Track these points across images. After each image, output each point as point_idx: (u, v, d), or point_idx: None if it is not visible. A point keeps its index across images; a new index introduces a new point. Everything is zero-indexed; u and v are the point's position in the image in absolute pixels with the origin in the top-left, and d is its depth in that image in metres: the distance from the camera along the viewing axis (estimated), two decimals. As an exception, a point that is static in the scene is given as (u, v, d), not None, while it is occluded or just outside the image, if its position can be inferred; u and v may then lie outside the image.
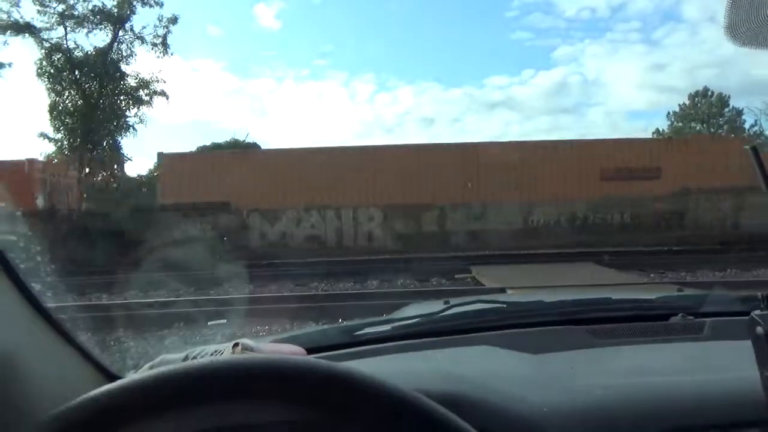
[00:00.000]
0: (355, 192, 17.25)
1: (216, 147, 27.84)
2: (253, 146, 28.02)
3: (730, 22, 0.66)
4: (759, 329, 0.71)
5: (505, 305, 1.44)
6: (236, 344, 0.86)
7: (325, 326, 1.65)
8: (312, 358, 0.80)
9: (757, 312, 0.72)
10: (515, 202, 17.28)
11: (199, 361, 0.55)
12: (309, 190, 16.88)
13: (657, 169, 17.30)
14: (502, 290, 7.81)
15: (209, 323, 6.75)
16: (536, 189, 17.32)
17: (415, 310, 1.59)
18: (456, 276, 11.49)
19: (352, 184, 17.17)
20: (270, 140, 60.46)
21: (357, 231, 17.56)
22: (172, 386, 0.50)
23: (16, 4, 24.11)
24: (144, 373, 0.53)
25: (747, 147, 0.84)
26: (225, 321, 6.77)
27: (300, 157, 17.58)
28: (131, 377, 0.53)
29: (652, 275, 11.01)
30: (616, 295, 1.58)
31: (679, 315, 1.32)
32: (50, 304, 0.93)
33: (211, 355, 0.83)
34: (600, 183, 17.31)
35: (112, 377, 0.88)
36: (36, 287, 0.91)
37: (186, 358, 0.81)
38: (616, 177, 17.18)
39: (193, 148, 25.89)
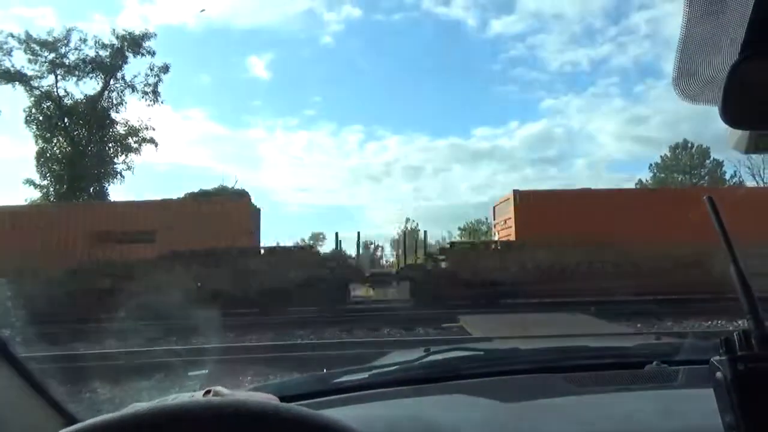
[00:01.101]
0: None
1: (204, 194, 27.84)
2: (242, 193, 28.08)
3: (677, 77, 0.70)
4: (718, 374, 0.71)
5: (482, 353, 1.44)
6: (209, 391, 0.85)
7: (304, 375, 1.63)
8: (285, 404, 0.79)
9: (717, 357, 0.73)
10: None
11: (160, 404, 0.55)
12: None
13: None
14: (489, 340, 7.74)
15: (190, 374, 6.58)
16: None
17: (395, 357, 1.59)
18: (443, 325, 11.38)
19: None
20: (259, 187, 60.68)
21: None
22: (132, 428, 0.50)
23: (8, 53, 24.48)
24: (103, 416, 0.52)
25: (704, 198, 0.87)
26: (206, 371, 6.60)
27: None
28: (89, 421, 0.53)
29: (638, 325, 10.99)
30: (594, 343, 1.58)
31: (654, 363, 1.32)
32: (25, 351, 0.92)
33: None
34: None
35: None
36: (5, 333, 0.90)
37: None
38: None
39: (181, 194, 25.82)
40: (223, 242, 15.75)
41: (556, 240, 15.75)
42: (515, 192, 17.71)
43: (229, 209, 17.55)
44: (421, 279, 16.94)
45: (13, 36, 24.56)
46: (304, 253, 17.75)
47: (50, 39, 24.99)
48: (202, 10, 48.35)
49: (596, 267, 15.84)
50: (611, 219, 16.13)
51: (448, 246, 18.95)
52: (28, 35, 24.72)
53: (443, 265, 17.28)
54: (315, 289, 14.94)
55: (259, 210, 19.22)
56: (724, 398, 0.71)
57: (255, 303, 14.53)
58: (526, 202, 17.34)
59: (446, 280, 16.44)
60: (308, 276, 15.29)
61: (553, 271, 15.71)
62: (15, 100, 33.06)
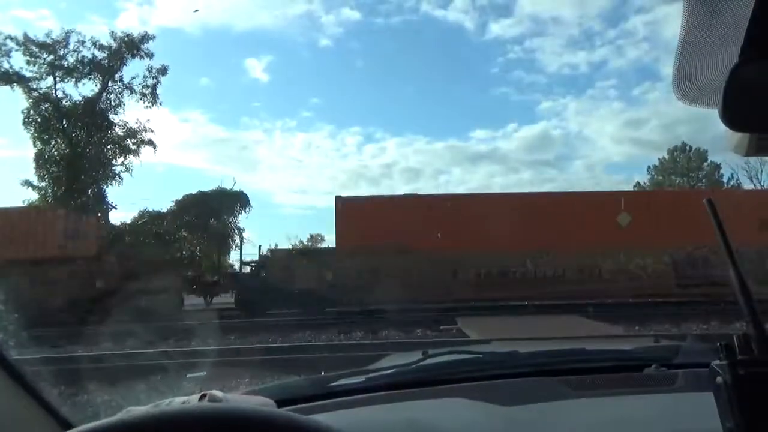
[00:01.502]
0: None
1: (202, 195, 27.81)
2: (240, 195, 28.06)
3: (676, 80, 0.70)
4: (718, 379, 0.71)
5: (479, 356, 1.43)
6: (204, 395, 0.85)
7: (300, 378, 1.62)
8: (276, 409, 0.78)
9: (717, 362, 0.72)
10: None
11: (156, 409, 0.54)
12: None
13: None
14: (487, 342, 7.73)
15: (188, 375, 6.56)
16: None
17: (392, 360, 1.58)
18: (441, 327, 11.39)
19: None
20: (257, 189, 60.68)
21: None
22: None
23: (7, 55, 24.46)
24: (94, 423, 0.52)
25: (705, 200, 0.86)
26: (204, 373, 6.59)
27: None
28: (83, 426, 0.52)
29: (636, 328, 11.00)
30: (592, 346, 1.58)
31: (653, 366, 1.32)
32: (22, 354, 0.92)
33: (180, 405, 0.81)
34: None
35: (70, 428, 0.85)
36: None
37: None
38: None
39: (179, 197, 25.79)
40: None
41: (374, 247, 15.66)
42: (336, 198, 17.50)
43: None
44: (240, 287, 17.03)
45: (11, 38, 24.59)
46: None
47: (49, 41, 25.01)
48: (196, 10, 48.43)
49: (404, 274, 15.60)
50: (431, 226, 16.22)
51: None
52: (27, 37, 24.74)
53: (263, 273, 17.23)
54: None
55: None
56: (725, 403, 0.70)
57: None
58: (345, 208, 17.14)
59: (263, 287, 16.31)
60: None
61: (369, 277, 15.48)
62: (13, 101, 33.13)
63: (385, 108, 66.92)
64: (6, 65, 24.52)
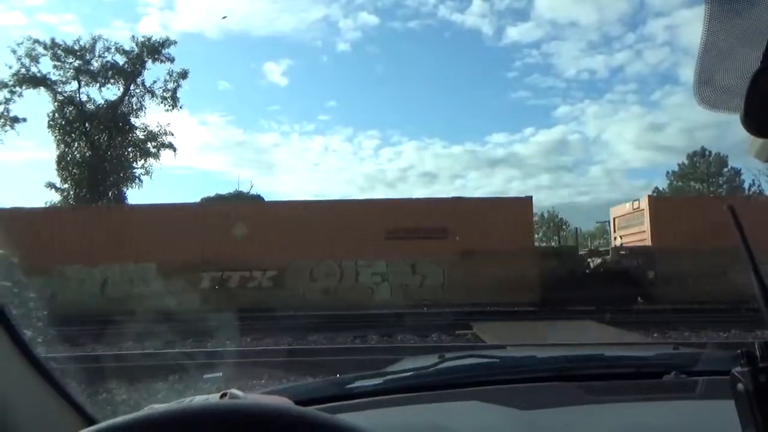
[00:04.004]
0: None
1: (220, 198, 28.08)
2: (257, 198, 28.26)
3: (697, 85, 0.70)
4: (740, 386, 0.70)
5: (497, 360, 1.43)
6: (224, 394, 0.86)
7: (318, 379, 1.63)
8: (304, 408, 0.79)
9: (738, 369, 0.71)
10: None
11: (177, 405, 0.56)
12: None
13: None
14: (503, 347, 7.68)
15: (205, 376, 6.62)
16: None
17: (409, 364, 1.58)
18: (456, 332, 11.33)
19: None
20: (274, 192, 61.10)
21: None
22: (147, 430, 0.51)
23: (36, 60, 25.05)
24: (121, 417, 0.53)
25: (726, 206, 0.86)
26: (221, 374, 6.64)
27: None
28: (108, 422, 0.53)
29: (655, 335, 10.84)
30: (611, 352, 1.57)
31: (673, 373, 1.30)
32: (46, 352, 0.94)
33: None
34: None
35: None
36: (27, 334, 0.92)
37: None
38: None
39: (197, 199, 26.07)
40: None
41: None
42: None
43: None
44: None
45: (39, 42, 25.19)
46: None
47: (76, 47, 25.56)
48: (224, 17, 48.96)
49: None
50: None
51: None
52: (54, 42, 25.33)
53: None
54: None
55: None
56: (746, 410, 0.70)
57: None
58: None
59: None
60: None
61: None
62: (39, 105, 33.89)
63: (403, 112, 67.09)
64: (34, 69, 25.17)
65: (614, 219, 19.25)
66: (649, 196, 17.62)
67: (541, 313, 14.41)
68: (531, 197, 17.51)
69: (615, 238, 18.87)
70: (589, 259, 17.48)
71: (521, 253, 15.49)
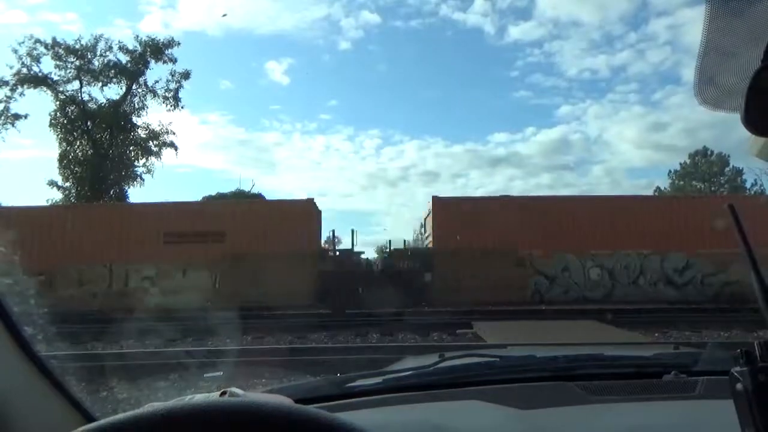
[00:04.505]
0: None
1: (221, 196, 28.12)
2: (258, 197, 28.29)
3: (698, 84, 0.69)
4: (739, 386, 0.70)
5: (497, 360, 1.43)
6: (224, 392, 0.86)
7: (318, 378, 1.63)
8: (303, 406, 0.80)
9: (737, 368, 0.71)
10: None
11: (177, 403, 0.56)
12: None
13: None
14: (503, 347, 7.67)
15: (205, 375, 6.63)
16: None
17: (409, 363, 1.58)
18: (457, 331, 11.33)
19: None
20: (276, 191, 61.16)
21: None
22: (148, 427, 0.51)
23: (37, 59, 25.06)
24: (120, 414, 0.53)
25: (726, 206, 0.85)
26: (221, 373, 6.65)
27: None
28: (108, 419, 0.54)
29: (656, 334, 10.84)
30: (611, 351, 1.57)
31: (673, 373, 1.30)
32: (45, 350, 0.94)
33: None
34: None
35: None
36: (28, 331, 0.92)
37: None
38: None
39: (199, 197, 26.12)
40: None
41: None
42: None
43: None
44: None
45: (40, 41, 25.21)
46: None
47: (77, 46, 25.57)
48: (224, 15, 48.96)
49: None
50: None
51: None
52: (56, 41, 25.34)
53: None
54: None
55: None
56: (745, 410, 0.69)
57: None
58: None
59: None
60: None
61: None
62: (41, 104, 33.94)
63: (404, 111, 67.03)
64: (36, 68, 25.19)
65: (424, 220, 19.23)
66: (433, 197, 17.26)
67: (542, 313, 14.43)
68: (312, 199, 17.57)
69: (426, 240, 18.73)
70: (375, 262, 17.42)
71: (296, 256, 15.38)
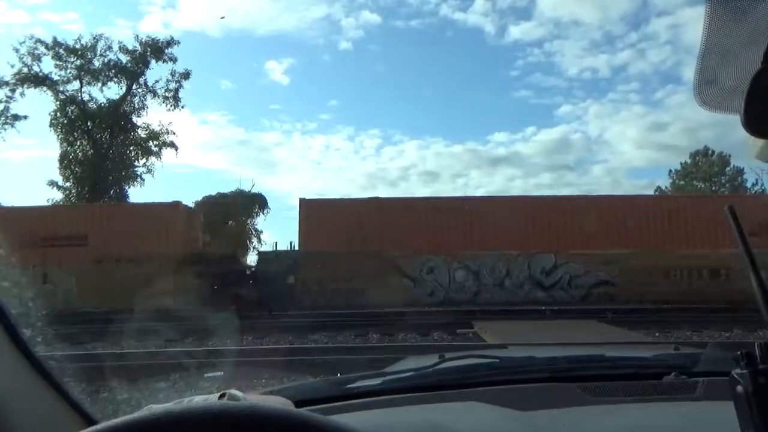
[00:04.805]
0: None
1: (221, 197, 28.10)
2: (258, 196, 28.29)
3: (698, 85, 0.69)
4: (739, 388, 0.70)
5: (497, 360, 1.43)
6: (223, 394, 0.86)
7: (317, 379, 1.63)
8: (294, 409, 0.79)
9: (737, 370, 0.71)
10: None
11: (174, 407, 0.56)
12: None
13: None
14: (503, 347, 7.67)
15: (205, 375, 6.63)
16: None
17: (409, 363, 1.58)
18: (458, 331, 11.33)
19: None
20: (276, 191, 61.14)
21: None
22: (144, 431, 0.51)
23: (38, 59, 25.07)
24: (119, 418, 0.53)
25: (726, 207, 0.85)
26: (221, 373, 6.65)
27: None
28: (105, 423, 0.53)
29: (656, 334, 10.83)
30: (611, 352, 1.56)
31: (673, 374, 1.30)
32: (42, 351, 0.94)
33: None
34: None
35: (95, 424, 0.88)
36: (27, 333, 0.92)
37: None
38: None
39: (199, 197, 26.11)
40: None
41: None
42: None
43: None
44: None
45: (41, 41, 25.21)
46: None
47: (77, 46, 25.57)
48: (222, 17, 49.00)
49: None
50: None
51: None
52: (56, 41, 25.34)
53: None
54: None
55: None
56: (745, 412, 0.69)
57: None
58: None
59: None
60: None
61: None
62: (41, 103, 33.89)
63: (404, 110, 66.79)
64: (36, 68, 25.19)
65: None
66: (300, 199, 17.31)
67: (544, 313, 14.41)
68: (179, 202, 17.58)
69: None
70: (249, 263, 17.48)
71: (158, 258, 15.38)
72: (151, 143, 27.04)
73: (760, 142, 0.68)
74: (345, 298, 15.16)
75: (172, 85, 26.72)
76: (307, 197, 17.72)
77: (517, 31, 61.83)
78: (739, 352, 0.72)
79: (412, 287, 16.25)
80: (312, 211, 16.70)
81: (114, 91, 26.43)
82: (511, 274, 16.47)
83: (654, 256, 16.15)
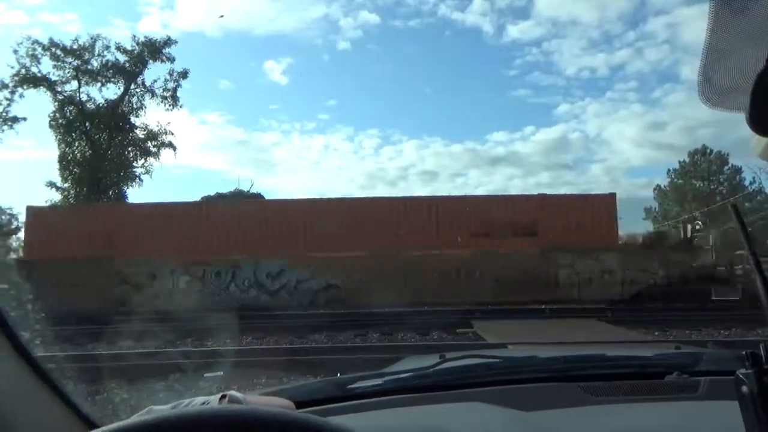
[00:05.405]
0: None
1: (220, 197, 28.09)
2: (257, 197, 28.27)
3: (701, 83, 0.69)
4: (744, 388, 0.69)
5: (498, 360, 1.42)
6: (224, 395, 0.85)
7: (318, 379, 1.63)
8: (294, 411, 0.79)
9: (743, 371, 0.70)
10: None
11: (177, 410, 0.55)
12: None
13: None
14: (504, 346, 7.66)
15: (205, 375, 6.63)
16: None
17: (410, 364, 1.58)
18: (457, 330, 11.31)
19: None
20: (275, 191, 61.19)
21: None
22: None
23: (36, 60, 25.02)
24: (122, 422, 0.53)
25: (729, 205, 0.85)
26: (221, 373, 6.65)
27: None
28: (107, 426, 0.53)
29: (656, 333, 10.83)
30: (612, 352, 1.56)
31: (675, 373, 1.30)
32: (41, 353, 0.93)
33: (200, 405, 0.82)
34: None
35: (95, 427, 0.87)
36: (25, 335, 0.91)
37: (174, 409, 0.81)
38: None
39: (198, 197, 26.09)
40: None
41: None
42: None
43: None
44: None
45: (38, 42, 25.17)
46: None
47: (75, 46, 25.53)
48: (221, 16, 48.97)
49: None
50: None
51: None
52: (53, 42, 25.29)
53: None
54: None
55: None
56: (751, 413, 0.69)
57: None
58: None
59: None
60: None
61: None
62: (40, 104, 33.85)
63: (403, 110, 66.94)
64: (34, 69, 25.15)
65: None
66: (27, 206, 17.27)
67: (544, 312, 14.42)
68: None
69: None
70: None
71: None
72: (149, 143, 27.00)
73: (764, 141, 0.68)
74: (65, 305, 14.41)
75: (171, 85, 26.72)
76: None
77: (515, 31, 62.13)
78: (744, 353, 0.72)
79: (134, 294, 16.03)
80: (37, 219, 16.91)
81: (112, 91, 26.46)
82: (237, 278, 16.48)
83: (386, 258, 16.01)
